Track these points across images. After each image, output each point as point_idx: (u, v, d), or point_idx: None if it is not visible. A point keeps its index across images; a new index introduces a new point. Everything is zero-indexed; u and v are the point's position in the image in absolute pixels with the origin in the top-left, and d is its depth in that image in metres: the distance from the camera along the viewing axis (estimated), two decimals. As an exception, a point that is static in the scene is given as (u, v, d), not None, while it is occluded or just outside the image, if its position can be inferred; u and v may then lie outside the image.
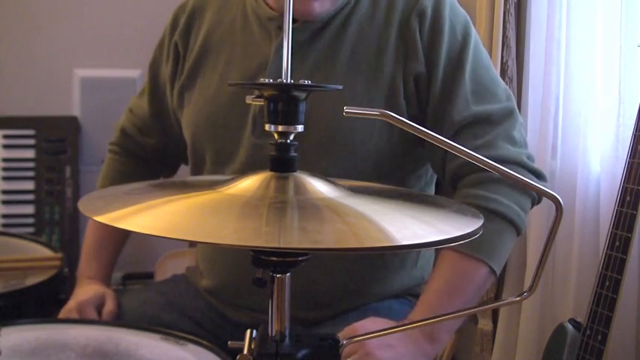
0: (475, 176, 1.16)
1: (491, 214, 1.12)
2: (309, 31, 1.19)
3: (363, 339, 0.88)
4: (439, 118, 1.17)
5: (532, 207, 1.19)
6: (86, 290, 1.34)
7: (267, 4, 1.23)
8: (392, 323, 1.07)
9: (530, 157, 1.19)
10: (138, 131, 1.45)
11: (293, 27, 1.16)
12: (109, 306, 1.31)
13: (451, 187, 1.21)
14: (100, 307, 1.31)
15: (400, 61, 1.18)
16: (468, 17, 1.24)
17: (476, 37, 1.22)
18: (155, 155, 1.46)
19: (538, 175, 1.19)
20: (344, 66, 1.19)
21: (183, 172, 1.57)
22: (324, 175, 0.77)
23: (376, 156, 1.19)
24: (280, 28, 1.20)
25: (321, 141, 1.16)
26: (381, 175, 1.17)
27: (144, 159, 1.47)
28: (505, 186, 1.14)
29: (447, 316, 0.94)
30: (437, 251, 1.30)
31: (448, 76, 1.18)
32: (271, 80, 0.75)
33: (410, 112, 1.18)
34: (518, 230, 1.16)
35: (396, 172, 1.23)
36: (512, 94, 1.23)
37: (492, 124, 1.17)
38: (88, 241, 1.45)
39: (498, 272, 1.14)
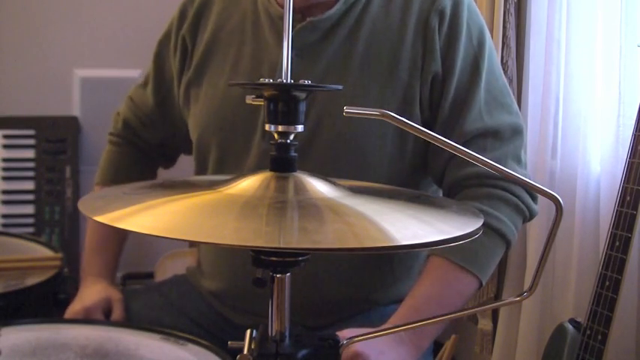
0: (478, 190, 1.15)
1: (490, 230, 1.13)
2: (319, 31, 1.16)
3: (363, 339, 0.88)
4: (449, 126, 1.16)
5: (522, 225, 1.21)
6: (92, 292, 1.32)
7: (277, 2, 1.19)
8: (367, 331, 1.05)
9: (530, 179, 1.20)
10: (141, 124, 1.42)
11: (302, 27, 1.16)
12: (117, 314, 1.29)
13: (447, 196, 1.21)
14: (107, 311, 1.29)
15: (418, 61, 1.15)
16: (484, 21, 1.22)
17: (490, 43, 1.20)
18: (156, 147, 1.45)
19: (534, 198, 1.19)
20: (357, 69, 1.16)
21: (183, 172, 1.57)
22: None
23: (389, 164, 1.17)
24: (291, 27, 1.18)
25: (331, 148, 1.14)
26: (392, 183, 1.16)
27: (144, 150, 1.45)
28: (503, 203, 1.15)
29: (445, 317, 0.94)
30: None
31: (462, 82, 1.16)
32: (271, 80, 0.75)
33: (423, 116, 1.16)
34: (508, 247, 1.18)
35: (409, 180, 1.21)
36: (518, 109, 1.23)
37: (502, 139, 1.17)
38: (91, 239, 1.44)
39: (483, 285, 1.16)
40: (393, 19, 1.17)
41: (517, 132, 1.19)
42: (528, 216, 1.19)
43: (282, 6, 1.19)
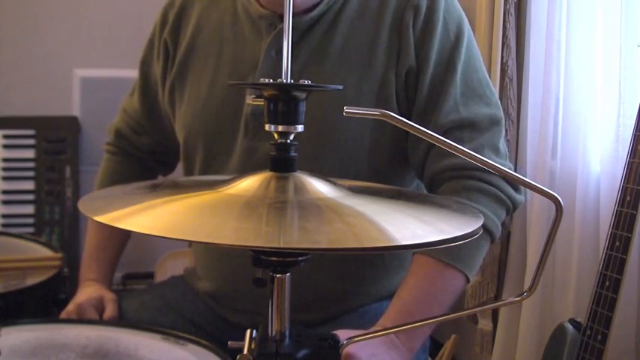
0: (455, 183, 1.15)
1: None
2: (298, 30, 1.17)
3: (363, 339, 0.88)
4: (425, 119, 1.15)
5: (506, 216, 1.19)
6: (85, 292, 1.34)
7: (258, 1, 1.20)
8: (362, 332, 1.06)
9: (511, 170, 1.18)
10: (132, 131, 1.44)
11: (282, 28, 1.16)
12: (109, 311, 1.29)
13: (429, 190, 1.21)
14: (99, 309, 1.30)
15: (393, 55, 1.16)
16: (464, 15, 1.22)
17: (469, 36, 1.20)
18: (151, 155, 1.45)
19: (516, 189, 1.18)
20: (335, 63, 1.17)
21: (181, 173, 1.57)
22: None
23: (369, 155, 1.18)
24: (271, 25, 1.18)
25: (310, 140, 1.13)
26: (375, 175, 1.16)
27: (140, 158, 1.46)
28: (484, 196, 1.14)
29: (443, 318, 0.94)
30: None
31: (438, 75, 1.16)
32: (271, 80, 0.75)
33: (401, 109, 1.17)
34: (493, 240, 1.17)
35: (390, 172, 1.21)
36: (499, 100, 1.22)
37: (478, 130, 1.16)
38: (89, 244, 1.45)
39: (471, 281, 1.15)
40: (370, 17, 1.18)
41: (494, 123, 1.18)
42: (511, 206, 1.18)
43: (262, 6, 1.19)
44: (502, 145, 1.19)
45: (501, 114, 1.20)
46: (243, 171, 1.18)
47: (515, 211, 1.21)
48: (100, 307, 1.30)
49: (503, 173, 0.74)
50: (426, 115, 1.16)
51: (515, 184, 1.17)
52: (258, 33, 1.20)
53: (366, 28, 1.17)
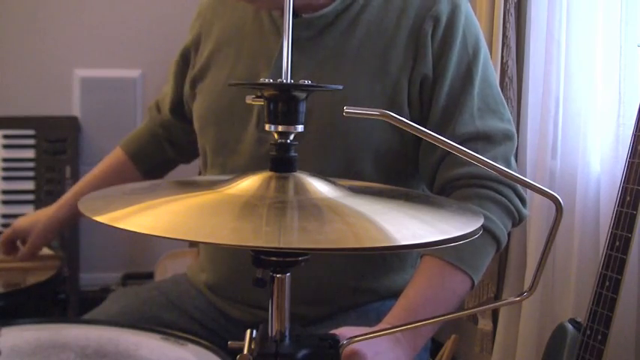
0: (467, 191, 1.16)
1: (483, 230, 1.13)
2: (315, 27, 1.19)
3: (363, 339, 0.88)
4: (441, 129, 1.17)
5: (511, 228, 1.21)
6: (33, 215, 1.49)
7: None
8: (366, 330, 1.06)
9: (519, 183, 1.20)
10: (156, 106, 1.50)
11: (296, 22, 1.17)
12: (24, 249, 1.43)
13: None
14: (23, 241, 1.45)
15: (408, 62, 1.18)
16: (481, 31, 1.24)
17: (486, 52, 1.23)
18: (164, 133, 1.50)
19: (523, 202, 1.20)
20: (350, 65, 1.19)
21: (184, 172, 1.57)
22: (322, 174, 0.77)
23: (375, 157, 1.19)
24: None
25: (318, 139, 1.16)
26: (379, 177, 1.17)
27: (159, 131, 1.51)
28: (495, 205, 1.16)
29: (444, 317, 0.94)
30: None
31: (455, 88, 1.18)
32: (271, 80, 0.75)
33: (412, 114, 1.18)
34: (499, 249, 1.18)
35: (396, 175, 1.22)
36: (511, 117, 1.24)
37: (493, 143, 1.19)
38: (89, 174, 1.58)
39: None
40: (388, 22, 1.20)
41: (508, 137, 1.21)
42: (517, 219, 1.20)
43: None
44: (513, 160, 1.23)
45: (514, 130, 1.23)
46: (254, 159, 1.21)
47: (519, 225, 1.23)
48: (24, 239, 1.45)
49: (502, 172, 0.74)
50: (441, 125, 1.18)
51: (523, 198, 1.20)
52: (277, 29, 1.23)
53: (383, 32, 1.19)
